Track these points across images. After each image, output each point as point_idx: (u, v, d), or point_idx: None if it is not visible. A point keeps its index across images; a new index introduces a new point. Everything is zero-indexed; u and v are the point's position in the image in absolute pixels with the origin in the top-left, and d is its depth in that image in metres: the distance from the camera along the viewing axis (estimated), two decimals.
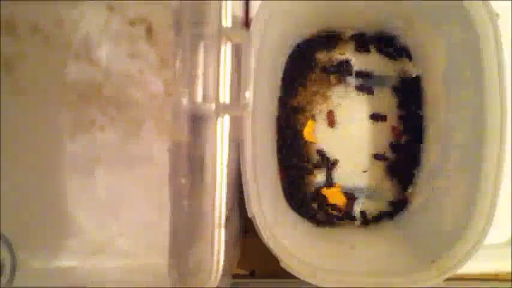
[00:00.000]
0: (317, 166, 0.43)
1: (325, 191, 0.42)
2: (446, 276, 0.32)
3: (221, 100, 0.23)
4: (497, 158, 0.32)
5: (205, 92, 0.23)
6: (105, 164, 0.25)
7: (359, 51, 0.43)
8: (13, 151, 0.25)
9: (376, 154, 0.43)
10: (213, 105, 0.23)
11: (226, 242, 0.24)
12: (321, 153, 0.43)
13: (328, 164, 0.43)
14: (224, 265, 0.24)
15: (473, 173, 0.33)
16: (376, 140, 0.43)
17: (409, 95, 0.43)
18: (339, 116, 0.43)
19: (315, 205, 0.43)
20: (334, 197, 0.42)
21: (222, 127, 0.23)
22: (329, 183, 0.43)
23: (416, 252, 0.35)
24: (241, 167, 0.33)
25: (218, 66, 0.23)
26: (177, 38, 0.23)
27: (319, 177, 0.43)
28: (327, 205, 0.43)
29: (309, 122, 0.43)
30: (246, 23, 0.41)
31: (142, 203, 0.26)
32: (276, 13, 0.34)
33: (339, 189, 0.43)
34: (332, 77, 0.43)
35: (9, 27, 0.24)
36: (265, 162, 0.38)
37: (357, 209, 0.43)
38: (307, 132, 0.42)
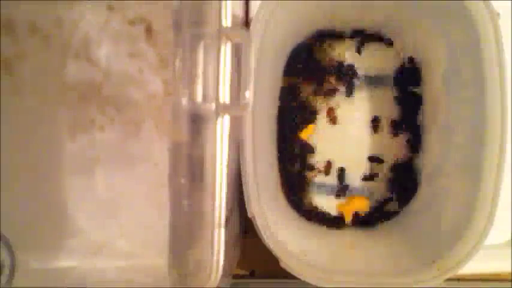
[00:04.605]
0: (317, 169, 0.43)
1: (347, 207, 0.43)
2: (447, 276, 0.32)
3: (221, 100, 0.23)
4: (498, 158, 0.32)
5: (205, 92, 0.23)
6: (105, 164, 0.25)
7: (359, 51, 0.43)
8: (13, 151, 0.25)
9: (371, 156, 0.43)
10: (213, 105, 0.23)
11: (226, 242, 0.24)
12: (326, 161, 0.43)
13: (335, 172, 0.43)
14: (224, 265, 0.24)
15: (473, 173, 0.33)
16: (376, 140, 0.43)
17: (409, 94, 0.42)
18: (338, 116, 0.43)
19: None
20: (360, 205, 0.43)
21: (222, 127, 0.23)
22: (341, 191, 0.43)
23: (416, 253, 0.35)
24: (241, 167, 0.33)
25: (218, 66, 0.23)
26: (177, 38, 0.23)
27: (320, 177, 0.43)
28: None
29: (310, 126, 0.43)
30: (246, 23, 0.41)
31: (142, 203, 0.26)
32: (276, 13, 0.34)
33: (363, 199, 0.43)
34: (332, 77, 0.43)
35: (8, 27, 0.24)
36: (265, 162, 0.38)
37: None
38: (305, 135, 0.42)
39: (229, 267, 0.37)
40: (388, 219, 0.42)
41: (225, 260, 0.24)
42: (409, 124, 0.42)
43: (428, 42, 0.40)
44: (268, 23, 0.33)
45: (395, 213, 0.42)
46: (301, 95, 0.43)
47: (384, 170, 0.43)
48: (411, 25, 0.40)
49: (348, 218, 0.42)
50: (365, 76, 0.43)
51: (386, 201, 0.43)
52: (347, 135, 0.43)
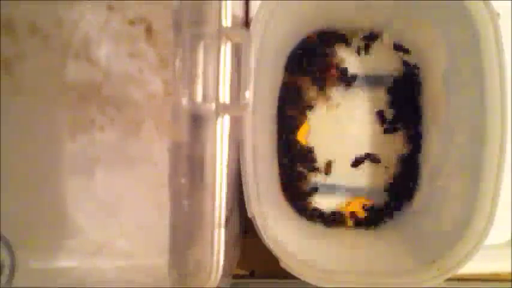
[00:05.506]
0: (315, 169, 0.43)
1: (348, 208, 0.43)
2: (447, 276, 0.32)
3: (221, 100, 0.23)
4: (498, 158, 0.32)
5: (205, 92, 0.23)
6: (105, 164, 0.25)
7: (359, 50, 0.43)
8: (13, 151, 0.25)
9: (368, 154, 0.43)
10: (213, 105, 0.23)
11: (226, 242, 0.24)
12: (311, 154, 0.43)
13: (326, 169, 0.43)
14: (224, 265, 0.24)
15: (473, 173, 0.33)
16: (376, 139, 0.43)
17: (409, 94, 0.42)
18: (338, 116, 0.43)
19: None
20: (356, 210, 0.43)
21: (222, 127, 0.23)
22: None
23: (416, 253, 0.35)
24: (241, 167, 0.33)
25: (218, 66, 0.23)
26: (177, 38, 0.23)
27: (320, 177, 0.43)
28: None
29: (304, 126, 0.43)
30: (246, 23, 0.41)
31: (142, 203, 0.26)
32: (276, 13, 0.34)
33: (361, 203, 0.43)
34: (332, 77, 0.43)
35: (8, 27, 0.24)
36: (265, 162, 0.38)
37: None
38: (301, 135, 0.42)
39: (229, 267, 0.37)
40: (388, 219, 0.42)
41: (225, 260, 0.24)
42: (409, 124, 0.42)
43: (428, 42, 0.40)
44: (268, 23, 0.33)
45: (395, 213, 0.42)
46: (301, 95, 0.43)
47: (383, 170, 0.43)
48: (411, 25, 0.40)
49: (350, 223, 0.42)
50: (365, 76, 0.43)
51: (387, 202, 0.43)
52: (347, 135, 0.43)
